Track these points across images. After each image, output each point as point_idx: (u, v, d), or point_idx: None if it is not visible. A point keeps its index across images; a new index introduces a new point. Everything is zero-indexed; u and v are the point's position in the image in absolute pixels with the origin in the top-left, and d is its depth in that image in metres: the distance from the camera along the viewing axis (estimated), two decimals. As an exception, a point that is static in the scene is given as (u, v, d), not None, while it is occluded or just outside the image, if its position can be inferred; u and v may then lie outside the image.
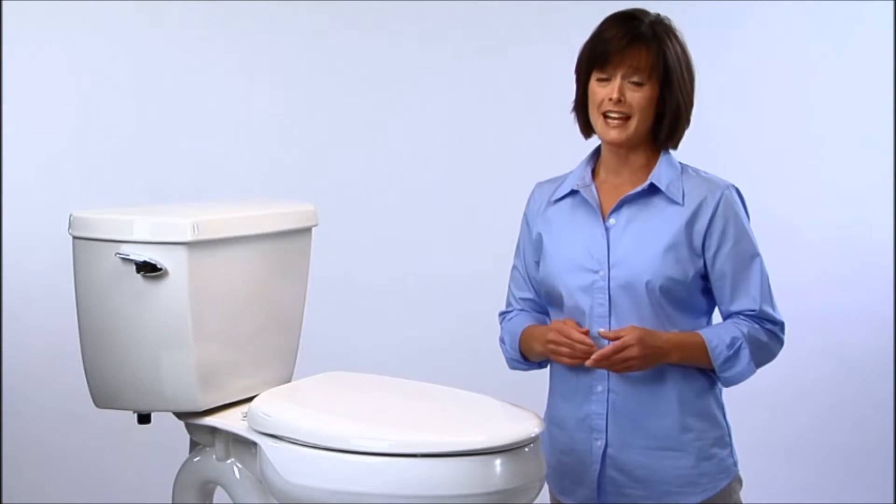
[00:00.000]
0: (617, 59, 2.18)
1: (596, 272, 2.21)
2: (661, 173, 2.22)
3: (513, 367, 2.37)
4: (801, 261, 3.49)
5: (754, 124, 3.54)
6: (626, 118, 2.19)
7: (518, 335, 2.32)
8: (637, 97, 2.18)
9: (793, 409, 3.54)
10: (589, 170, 2.29)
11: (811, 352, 3.48)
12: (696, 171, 2.26)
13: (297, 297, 2.46)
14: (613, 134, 2.21)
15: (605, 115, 2.20)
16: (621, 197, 2.23)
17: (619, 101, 2.18)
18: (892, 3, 3.49)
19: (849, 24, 3.53)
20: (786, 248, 3.42)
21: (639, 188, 2.22)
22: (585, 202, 2.26)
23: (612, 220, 2.23)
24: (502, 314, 2.40)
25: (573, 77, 2.29)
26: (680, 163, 2.26)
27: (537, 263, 2.33)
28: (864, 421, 3.56)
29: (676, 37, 2.21)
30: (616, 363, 2.14)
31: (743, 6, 3.50)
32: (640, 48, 2.17)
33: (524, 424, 2.00)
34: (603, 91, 2.20)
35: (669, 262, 2.19)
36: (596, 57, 2.21)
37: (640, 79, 2.17)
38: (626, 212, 2.23)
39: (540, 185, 2.37)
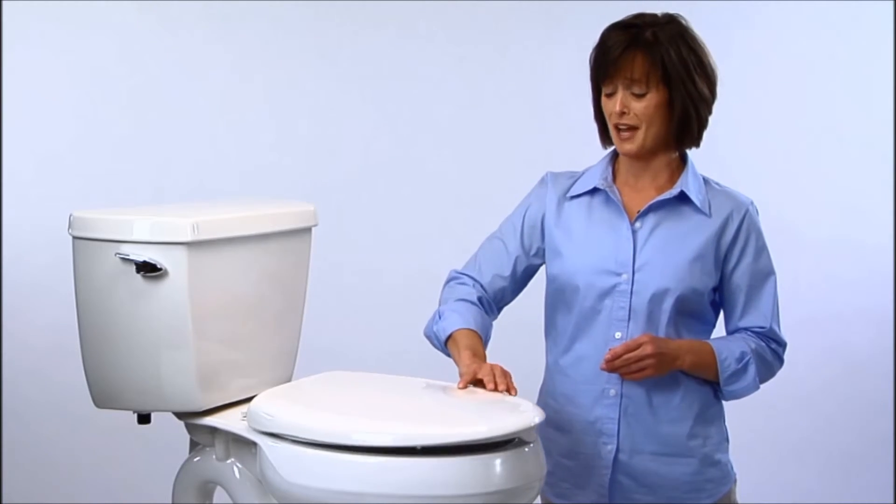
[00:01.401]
0: (613, 71, 2.15)
1: (619, 275, 2.19)
2: (688, 182, 2.20)
3: (427, 336, 2.31)
4: (801, 261, 3.49)
5: (754, 124, 3.54)
6: (634, 129, 2.16)
7: (452, 331, 2.23)
8: (640, 107, 2.15)
9: (793, 410, 3.54)
10: (610, 170, 2.26)
11: (811, 353, 3.48)
12: (718, 184, 2.24)
13: (296, 297, 2.46)
14: (626, 147, 2.18)
15: (617, 128, 2.19)
16: (650, 201, 2.20)
17: (623, 114, 2.15)
18: (892, 3, 3.49)
19: (849, 25, 3.53)
20: (786, 248, 3.41)
21: (668, 194, 2.20)
22: (607, 203, 2.23)
23: (637, 224, 2.21)
24: (458, 276, 2.33)
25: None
26: (701, 174, 2.25)
27: (541, 250, 2.29)
28: (865, 422, 3.56)
29: (683, 37, 2.16)
30: (631, 364, 2.12)
31: (743, 7, 3.50)
32: (635, 57, 2.14)
33: (524, 415, 1.99)
34: (609, 104, 2.17)
35: (695, 273, 2.17)
36: (598, 70, 2.19)
37: (640, 89, 2.14)
38: (652, 217, 2.20)
39: (554, 175, 2.32)
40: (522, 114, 3.48)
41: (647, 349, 2.12)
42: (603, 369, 2.15)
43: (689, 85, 2.15)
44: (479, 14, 3.45)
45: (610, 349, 2.14)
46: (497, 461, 1.91)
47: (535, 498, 2.01)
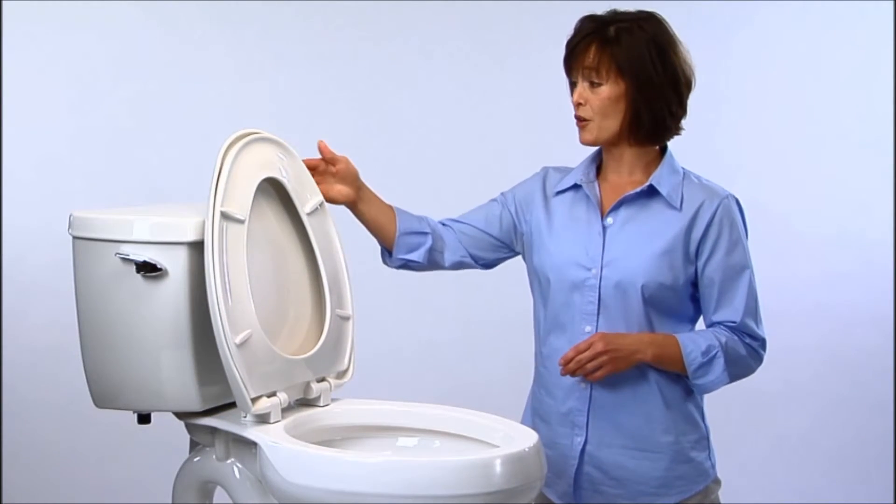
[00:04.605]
0: (571, 61, 2.20)
1: (589, 270, 2.22)
2: (662, 176, 2.22)
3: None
4: (800, 258, 3.50)
5: (754, 123, 3.54)
6: (589, 120, 2.19)
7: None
8: (594, 98, 2.18)
9: (792, 408, 3.55)
10: (594, 166, 2.29)
11: (810, 350, 3.48)
12: (699, 178, 2.25)
13: (296, 297, 2.46)
14: (581, 136, 2.23)
15: (576, 119, 2.22)
16: (620, 196, 2.23)
17: (579, 105, 2.20)
18: (892, 3, 3.49)
19: (849, 25, 3.53)
20: (785, 245, 3.42)
21: (638, 189, 2.22)
22: (586, 198, 2.26)
23: (609, 220, 2.23)
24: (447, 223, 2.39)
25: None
26: (683, 168, 2.26)
27: (520, 232, 2.33)
28: (864, 420, 3.57)
29: (653, 36, 2.17)
30: (586, 364, 2.14)
31: (743, 7, 3.50)
32: (590, 48, 2.17)
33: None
34: (572, 95, 2.22)
35: (663, 268, 2.18)
36: (564, 62, 2.23)
37: (597, 79, 2.17)
38: (623, 212, 2.23)
39: (548, 170, 2.37)
40: (520, 114, 3.48)
41: (598, 347, 2.13)
42: (562, 375, 2.17)
43: (644, 83, 2.16)
44: (478, 15, 3.46)
45: (563, 355, 2.16)
46: (497, 461, 1.91)
47: (535, 498, 2.01)
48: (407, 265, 2.36)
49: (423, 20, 3.46)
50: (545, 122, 3.42)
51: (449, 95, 3.49)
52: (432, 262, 2.35)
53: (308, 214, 2.24)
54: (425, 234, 2.34)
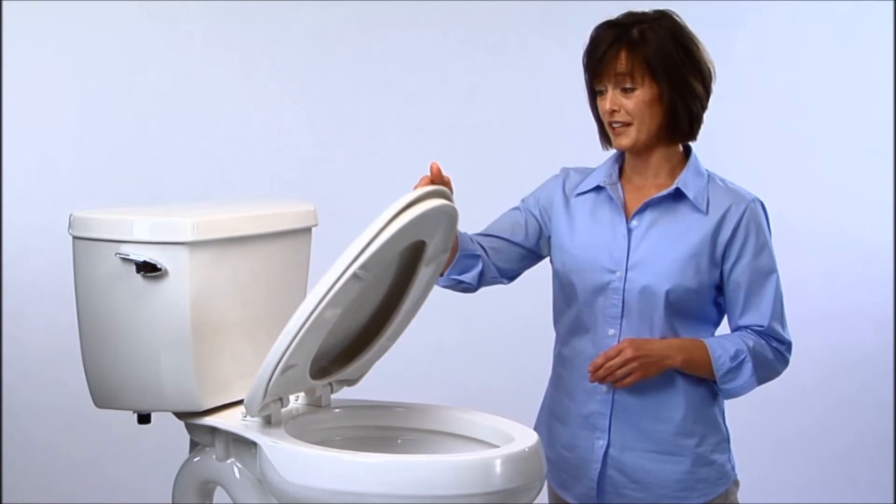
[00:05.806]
0: (600, 69, 2.17)
1: (613, 273, 2.20)
2: (687, 179, 2.20)
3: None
4: (801, 260, 3.49)
5: (755, 124, 3.54)
6: (627, 125, 2.18)
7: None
8: (630, 104, 2.16)
9: (792, 409, 3.55)
10: (616, 167, 2.27)
11: (811, 351, 3.48)
12: (723, 180, 2.24)
13: (296, 297, 2.45)
14: (620, 141, 2.20)
15: (611, 125, 2.20)
16: (646, 199, 2.22)
17: (614, 112, 2.17)
18: (892, 3, 3.49)
19: (849, 25, 3.53)
20: (786, 247, 3.41)
21: (664, 192, 2.20)
22: (609, 200, 2.25)
23: (634, 222, 2.21)
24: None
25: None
26: (707, 171, 2.25)
27: (545, 235, 2.31)
28: (865, 421, 3.57)
29: (673, 33, 2.17)
30: (615, 371, 2.13)
31: (743, 6, 3.50)
32: (620, 53, 2.15)
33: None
34: (602, 103, 2.19)
35: (688, 272, 2.17)
36: (588, 71, 2.21)
37: (630, 84, 2.15)
38: (649, 215, 2.21)
39: (568, 170, 2.34)
40: (524, 114, 3.48)
41: (627, 353, 2.13)
42: (591, 382, 2.16)
43: (677, 81, 2.15)
44: (482, 15, 3.46)
45: (591, 362, 2.15)
46: (497, 461, 1.91)
47: (535, 498, 2.01)
48: (457, 284, 2.30)
49: (426, 21, 3.45)
50: (550, 124, 3.42)
51: (451, 96, 3.48)
52: (479, 284, 2.31)
53: (425, 265, 2.16)
54: (478, 256, 2.28)
